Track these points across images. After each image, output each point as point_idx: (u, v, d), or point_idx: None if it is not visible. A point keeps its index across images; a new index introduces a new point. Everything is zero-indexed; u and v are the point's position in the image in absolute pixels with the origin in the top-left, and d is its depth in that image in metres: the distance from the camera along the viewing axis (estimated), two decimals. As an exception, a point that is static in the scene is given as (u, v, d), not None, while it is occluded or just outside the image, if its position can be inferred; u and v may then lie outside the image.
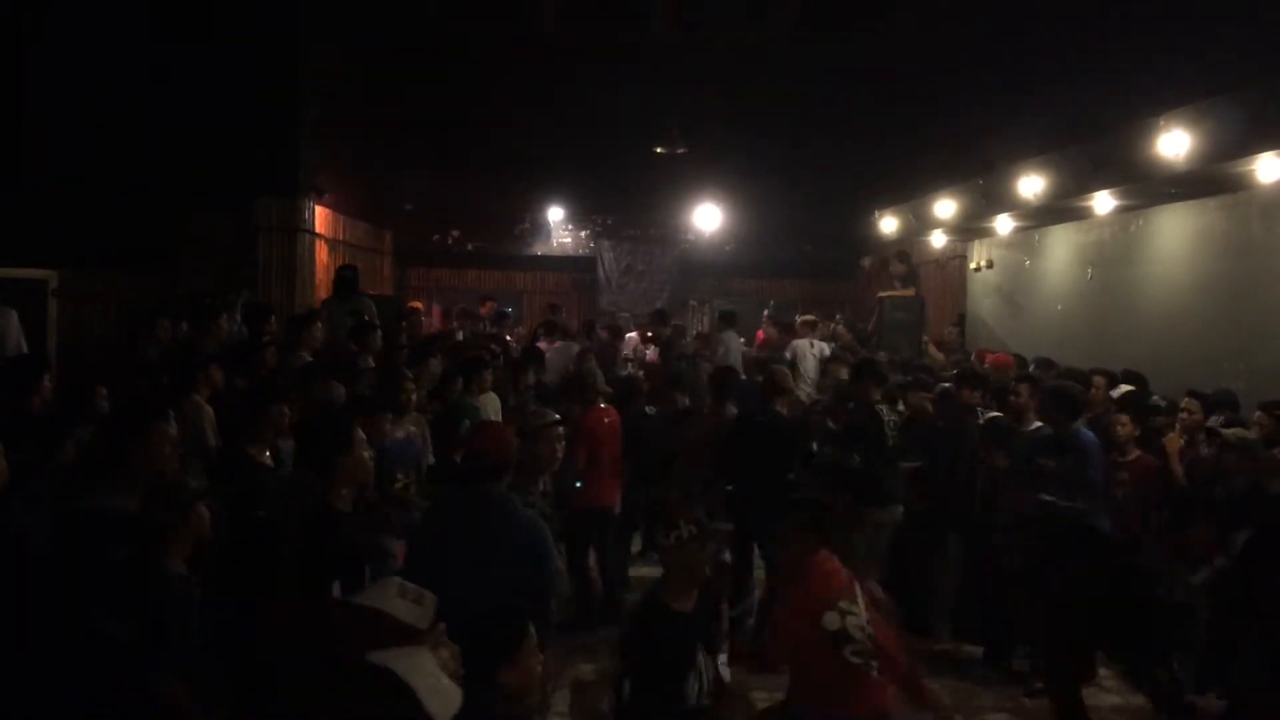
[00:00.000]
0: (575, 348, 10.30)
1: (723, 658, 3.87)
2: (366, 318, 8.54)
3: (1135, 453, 6.48)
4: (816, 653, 3.95)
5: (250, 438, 5.01)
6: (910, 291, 13.48)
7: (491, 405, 7.13)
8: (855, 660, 3.91)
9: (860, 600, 4.03)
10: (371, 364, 7.13)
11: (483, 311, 13.16)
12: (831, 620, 3.94)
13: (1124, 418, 6.63)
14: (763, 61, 13.63)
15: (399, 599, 2.28)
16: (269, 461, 5.05)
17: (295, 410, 5.38)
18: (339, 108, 11.75)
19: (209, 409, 5.71)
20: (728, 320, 11.95)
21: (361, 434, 4.00)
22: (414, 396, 6.20)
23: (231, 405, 5.67)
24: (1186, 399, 6.89)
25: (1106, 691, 6.25)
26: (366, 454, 4.03)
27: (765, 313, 14.59)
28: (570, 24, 13.35)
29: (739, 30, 13.32)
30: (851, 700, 3.97)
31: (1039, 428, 6.56)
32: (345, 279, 9.62)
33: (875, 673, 3.95)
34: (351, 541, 3.74)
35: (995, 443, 6.68)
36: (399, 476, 5.51)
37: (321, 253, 11.32)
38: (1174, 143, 7.20)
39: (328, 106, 10.92)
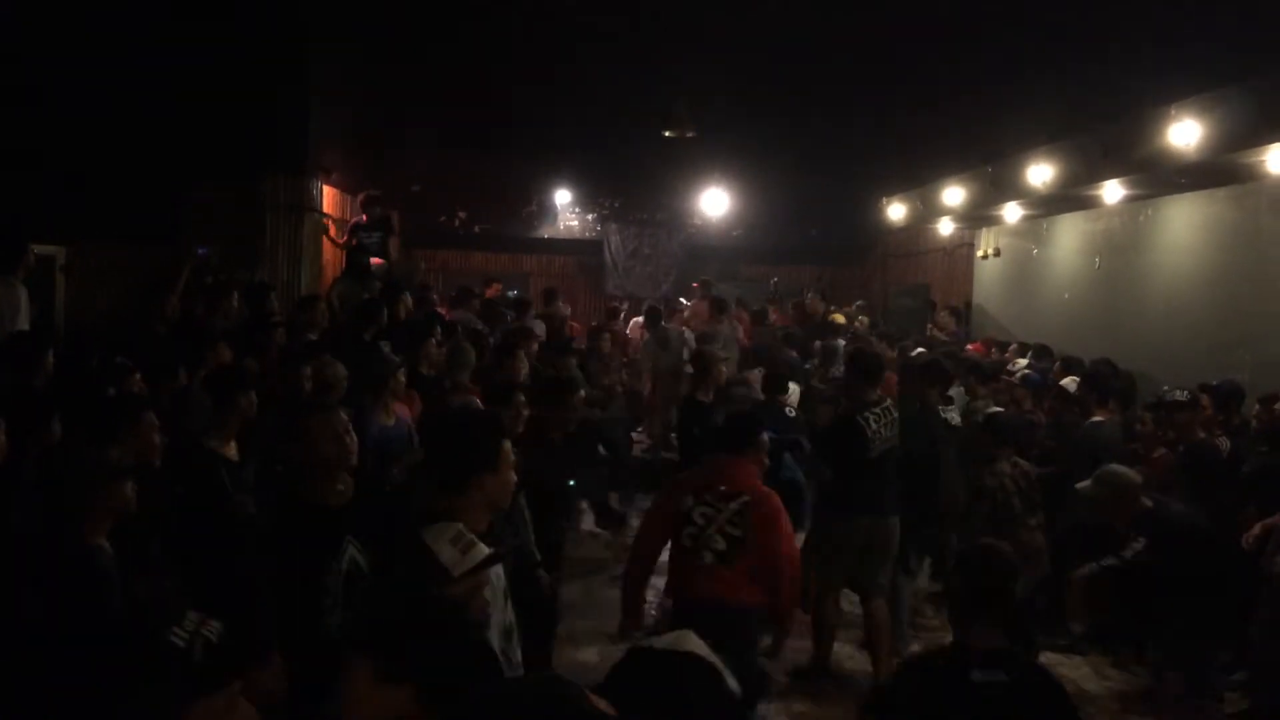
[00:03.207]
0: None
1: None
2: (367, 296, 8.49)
3: (1159, 450, 6.33)
4: (667, 531, 4.76)
5: (213, 430, 4.62)
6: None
7: None
8: (687, 543, 4.60)
9: (734, 506, 4.58)
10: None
11: (489, 294, 12.97)
12: (683, 502, 4.66)
13: (1145, 416, 6.58)
14: (771, 46, 13.56)
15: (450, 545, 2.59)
16: (234, 454, 4.62)
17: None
18: (347, 88, 11.73)
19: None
20: (720, 308, 11.93)
21: (343, 419, 3.47)
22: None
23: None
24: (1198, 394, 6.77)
25: (1105, 679, 6.27)
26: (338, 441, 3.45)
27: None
28: (578, 5, 13.28)
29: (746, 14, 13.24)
30: (682, 580, 4.67)
31: (1099, 422, 6.50)
32: (356, 260, 9.59)
33: (709, 560, 4.54)
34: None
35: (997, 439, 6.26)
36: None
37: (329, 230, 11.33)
38: (1184, 132, 7.17)
39: (335, 86, 10.90)
